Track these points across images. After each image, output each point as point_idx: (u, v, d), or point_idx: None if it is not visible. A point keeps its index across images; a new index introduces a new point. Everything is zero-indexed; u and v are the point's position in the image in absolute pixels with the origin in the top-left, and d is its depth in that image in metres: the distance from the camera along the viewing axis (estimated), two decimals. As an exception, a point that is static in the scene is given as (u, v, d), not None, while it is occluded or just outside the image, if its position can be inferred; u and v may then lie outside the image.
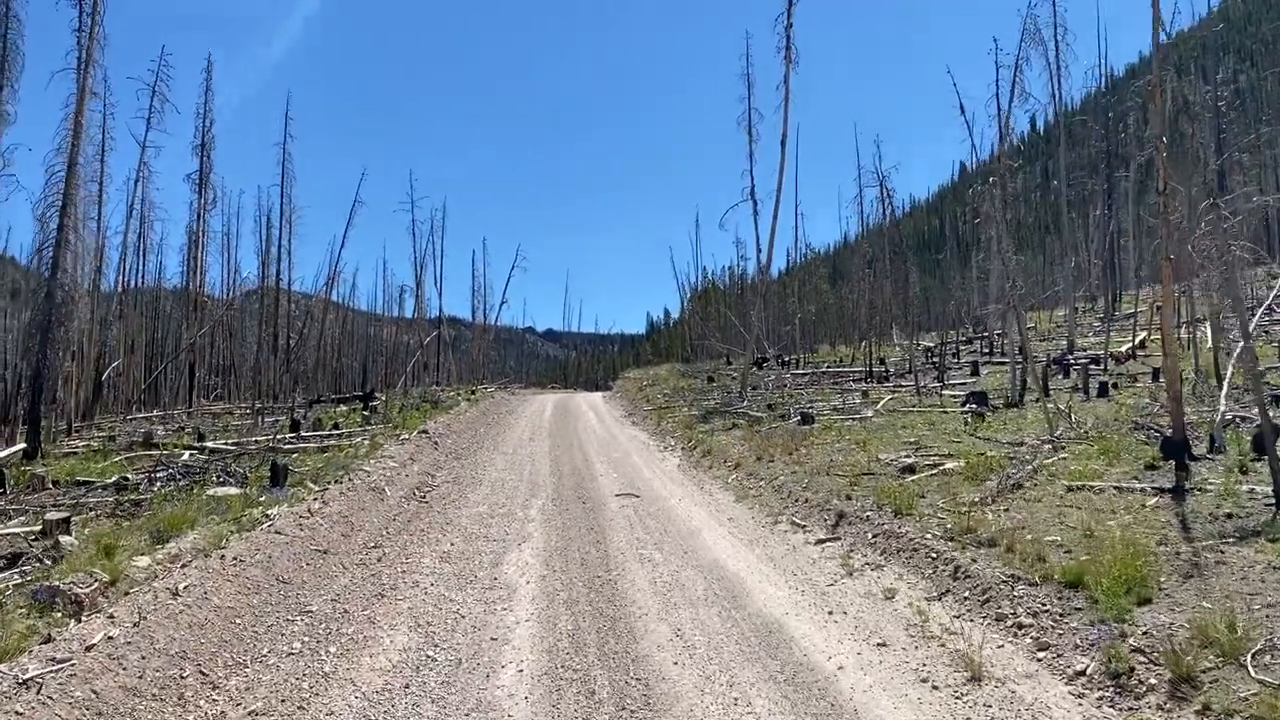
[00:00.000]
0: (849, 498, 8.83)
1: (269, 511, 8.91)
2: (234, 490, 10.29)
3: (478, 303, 49.88)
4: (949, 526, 7.11)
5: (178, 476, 11.36)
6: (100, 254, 33.10)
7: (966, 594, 5.77)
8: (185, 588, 6.07)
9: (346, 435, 17.66)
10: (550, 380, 70.65)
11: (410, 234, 41.89)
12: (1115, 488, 7.95)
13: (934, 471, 9.66)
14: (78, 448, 16.90)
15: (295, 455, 14.81)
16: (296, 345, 39.65)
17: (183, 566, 6.79)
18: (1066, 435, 11.48)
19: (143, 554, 6.99)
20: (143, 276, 37.04)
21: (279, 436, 17.46)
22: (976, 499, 7.94)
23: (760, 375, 29.00)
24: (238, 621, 5.85)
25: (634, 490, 11.55)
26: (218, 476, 11.41)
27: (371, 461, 13.18)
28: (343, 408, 28.19)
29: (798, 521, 8.68)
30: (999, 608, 5.40)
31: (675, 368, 40.64)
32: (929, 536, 6.93)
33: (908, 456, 10.40)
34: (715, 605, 6.13)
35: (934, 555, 6.54)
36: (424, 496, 11.39)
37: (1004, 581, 5.64)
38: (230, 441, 16.60)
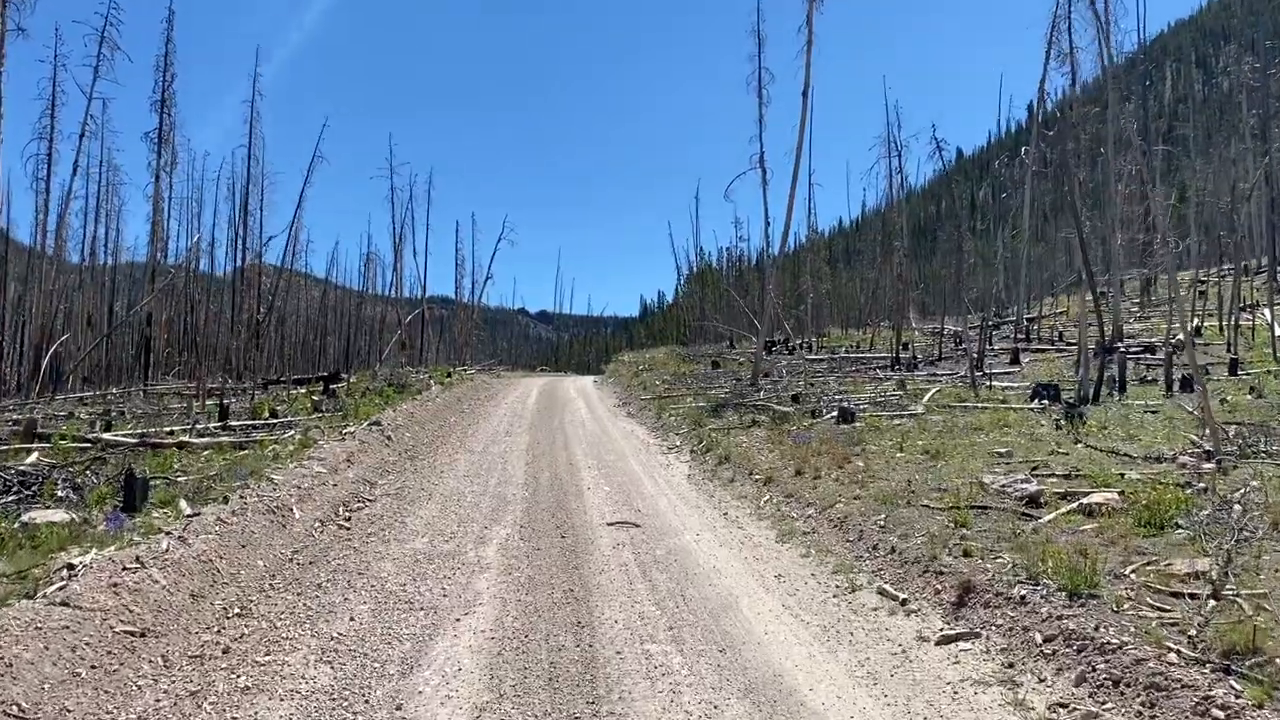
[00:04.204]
0: (966, 553, 5.75)
1: (77, 560, 5.81)
2: (62, 515, 7.16)
3: (462, 275, 46.52)
4: (1193, 633, 4.06)
5: (7, 488, 8.22)
6: (58, 218, 29.98)
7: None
8: None
9: (283, 426, 14.52)
10: (540, 363, 67.58)
11: (389, 201, 38.30)
12: None
13: (1073, 506, 6.60)
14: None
15: (206, 453, 11.70)
16: (265, 319, 36.46)
17: None
18: (1222, 447, 8.47)
19: None
20: (106, 244, 33.98)
21: (199, 427, 14.32)
22: (1200, 570, 4.88)
23: (771, 361, 25.91)
24: None
25: (633, 515, 8.47)
26: (60, 488, 8.29)
27: (292, 465, 10.08)
28: (301, 390, 25.06)
29: (889, 590, 5.61)
30: None
31: (673, 351, 37.49)
32: (1174, 659, 3.87)
33: (1025, 481, 7.31)
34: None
35: (1211, 708, 3.48)
36: (347, 520, 8.32)
37: None
38: (136, 432, 13.45)
